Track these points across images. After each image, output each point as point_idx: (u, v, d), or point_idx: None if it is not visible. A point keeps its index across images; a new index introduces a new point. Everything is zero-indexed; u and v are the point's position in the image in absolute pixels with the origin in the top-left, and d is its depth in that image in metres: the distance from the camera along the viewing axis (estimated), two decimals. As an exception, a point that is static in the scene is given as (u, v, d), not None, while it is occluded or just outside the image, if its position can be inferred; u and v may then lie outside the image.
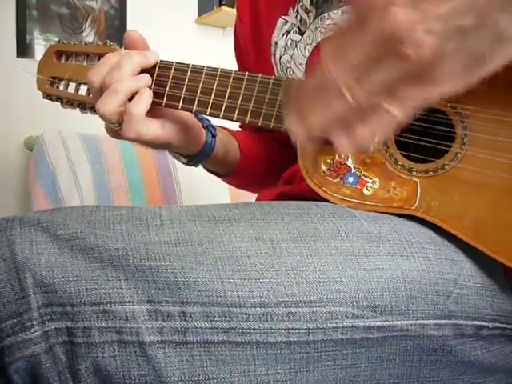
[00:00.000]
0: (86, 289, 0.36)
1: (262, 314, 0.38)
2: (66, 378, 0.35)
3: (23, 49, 1.69)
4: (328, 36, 0.35)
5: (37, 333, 0.35)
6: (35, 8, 1.70)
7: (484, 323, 0.45)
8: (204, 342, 0.37)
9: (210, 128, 0.65)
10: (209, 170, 0.74)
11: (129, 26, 1.87)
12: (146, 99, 0.54)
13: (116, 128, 0.55)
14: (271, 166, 0.76)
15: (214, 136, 0.66)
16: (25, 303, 0.35)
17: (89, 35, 1.79)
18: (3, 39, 1.66)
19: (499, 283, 0.46)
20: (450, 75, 0.32)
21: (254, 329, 0.38)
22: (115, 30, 1.84)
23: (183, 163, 0.67)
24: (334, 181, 0.51)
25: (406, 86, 0.32)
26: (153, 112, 0.56)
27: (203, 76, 0.55)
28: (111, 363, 0.36)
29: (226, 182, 0.81)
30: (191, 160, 0.66)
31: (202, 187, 1.45)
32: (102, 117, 0.54)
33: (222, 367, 0.38)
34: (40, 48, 1.70)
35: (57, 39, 1.71)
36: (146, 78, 0.56)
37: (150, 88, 0.56)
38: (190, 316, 0.37)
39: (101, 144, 1.42)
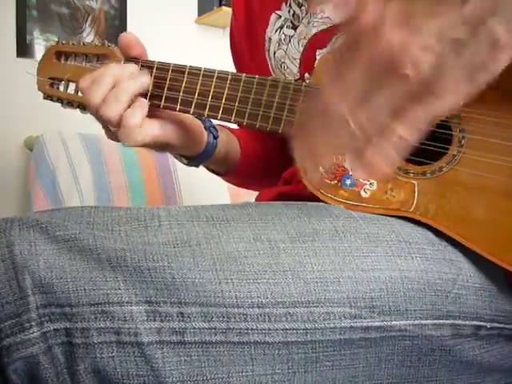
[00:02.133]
0: (85, 289, 0.36)
1: (260, 315, 0.38)
2: (64, 378, 0.36)
3: (23, 49, 1.69)
4: (322, 60, 0.34)
5: (35, 333, 0.35)
6: (35, 8, 1.70)
7: (482, 323, 0.45)
8: (202, 343, 0.37)
9: (211, 129, 0.65)
10: (209, 169, 0.74)
11: (129, 26, 1.87)
12: (141, 110, 0.54)
13: (117, 131, 0.55)
14: (270, 164, 0.76)
15: (215, 137, 0.66)
16: (23, 304, 0.35)
17: (89, 35, 1.79)
18: (3, 39, 1.66)
19: (498, 283, 0.46)
20: (452, 88, 0.31)
21: (252, 329, 0.38)
22: (115, 30, 1.84)
23: (184, 164, 0.67)
24: (332, 183, 0.51)
25: (410, 105, 0.32)
26: (152, 112, 0.56)
27: (200, 78, 0.55)
28: (110, 363, 0.36)
29: (226, 181, 0.81)
30: (192, 161, 0.66)
31: (202, 187, 1.45)
32: (107, 121, 0.54)
33: (220, 367, 0.38)
34: (40, 48, 1.70)
35: (57, 39, 1.71)
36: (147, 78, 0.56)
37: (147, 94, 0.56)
38: (188, 316, 0.37)
39: (101, 144, 1.42)
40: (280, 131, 0.51)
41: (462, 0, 0.30)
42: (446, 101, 0.32)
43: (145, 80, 0.56)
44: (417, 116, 0.32)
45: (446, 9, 0.30)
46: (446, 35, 0.30)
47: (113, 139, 0.59)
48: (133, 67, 0.56)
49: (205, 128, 0.64)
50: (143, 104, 0.55)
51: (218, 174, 0.76)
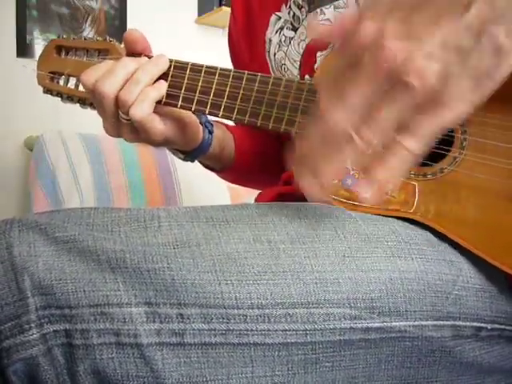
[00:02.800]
0: (84, 291, 0.36)
1: (260, 316, 0.38)
2: (64, 379, 0.36)
3: (23, 49, 1.69)
4: (323, 65, 0.34)
5: (35, 335, 0.35)
6: (35, 8, 1.70)
7: (483, 324, 0.45)
8: (201, 344, 0.37)
9: (207, 124, 0.66)
10: (204, 165, 0.74)
11: (129, 26, 1.88)
12: (161, 87, 0.55)
13: (126, 119, 0.55)
14: (268, 162, 0.76)
15: (210, 132, 0.66)
16: (23, 305, 0.35)
17: (89, 35, 1.80)
18: (3, 39, 1.67)
19: (498, 284, 0.46)
20: (458, 96, 0.31)
21: (252, 330, 0.38)
22: (115, 30, 1.84)
23: (180, 159, 0.67)
24: (332, 182, 0.51)
25: (417, 116, 0.31)
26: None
27: (202, 75, 0.55)
28: (109, 365, 0.36)
29: (222, 178, 0.81)
30: (188, 156, 0.66)
31: (202, 187, 1.45)
32: (123, 104, 0.53)
33: (220, 369, 0.38)
34: (40, 48, 1.70)
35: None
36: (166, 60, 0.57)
37: None
38: (188, 318, 0.37)
39: (101, 144, 1.42)
40: (282, 130, 0.51)
41: (463, 9, 0.30)
42: (453, 110, 0.31)
43: (165, 62, 0.56)
44: (424, 127, 0.32)
45: (447, 18, 0.30)
46: (449, 44, 0.30)
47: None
48: (144, 59, 0.56)
49: (200, 123, 0.65)
50: (162, 84, 0.56)
51: (212, 169, 0.76)
